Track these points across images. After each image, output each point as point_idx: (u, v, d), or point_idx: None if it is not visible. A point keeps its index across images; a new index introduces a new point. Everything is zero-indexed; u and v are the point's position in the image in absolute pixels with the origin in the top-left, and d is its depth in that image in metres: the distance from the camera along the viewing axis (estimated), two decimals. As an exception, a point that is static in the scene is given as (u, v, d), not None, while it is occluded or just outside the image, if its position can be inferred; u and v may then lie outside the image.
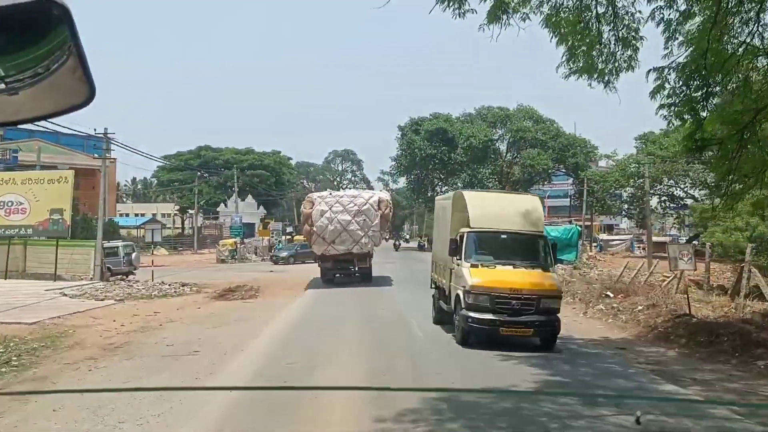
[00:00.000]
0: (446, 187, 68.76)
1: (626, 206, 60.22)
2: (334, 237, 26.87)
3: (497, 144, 64.73)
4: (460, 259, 13.58)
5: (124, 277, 30.12)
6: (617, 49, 10.40)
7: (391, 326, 15.22)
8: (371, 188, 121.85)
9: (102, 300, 22.53)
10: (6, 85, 1.20)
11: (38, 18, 1.14)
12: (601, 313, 17.36)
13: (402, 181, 74.50)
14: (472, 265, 13.36)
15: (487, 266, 13.44)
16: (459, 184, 62.97)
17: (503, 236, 14.06)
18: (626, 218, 75.12)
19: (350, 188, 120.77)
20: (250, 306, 21.58)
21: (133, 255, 32.17)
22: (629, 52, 10.36)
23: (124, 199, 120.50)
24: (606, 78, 10.43)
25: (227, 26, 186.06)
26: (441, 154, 61.19)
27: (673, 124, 11.10)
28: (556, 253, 36.85)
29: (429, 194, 70.75)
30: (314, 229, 27.11)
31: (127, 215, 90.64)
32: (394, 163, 66.40)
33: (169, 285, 27.70)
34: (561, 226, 40.18)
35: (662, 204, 54.58)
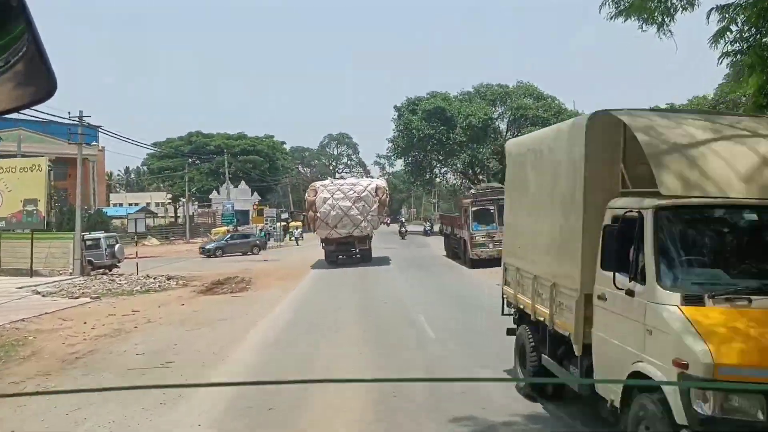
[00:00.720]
0: (445, 169, 66.85)
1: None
2: (336, 222, 29.25)
3: (497, 122, 62.58)
4: (641, 280, 5.54)
5: (107, 270, 28.14)
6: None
7: (397, 326, 13.24)
8: (368, 172, 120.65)
9: (77, 298, 20.57)
10: None
11: None
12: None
13: (399, 164, 72.41)
14: (689, 300, 5.18)
15: (731, 303, 5.17)
16: (458, 165, 61.00)
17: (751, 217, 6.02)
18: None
19: (346, 172, 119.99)
20: (239, 301, 19.66)
21: (117, 247, 30.16)
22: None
23: (118, 189, 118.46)
24: (660, 19, 8.42)
25: (217, 9, 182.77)
26: (439, 134, 58.96)
27: (741, 74, 9.08)
28: None
29: (427, 176, 68.79)
30: (318, 215, 29.32)
31: (120, 205, 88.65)
32: (390, 144, 64.11)
33: (154, 279, 25.80)
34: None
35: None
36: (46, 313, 17.39)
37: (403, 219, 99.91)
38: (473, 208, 27.33)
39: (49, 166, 60.22)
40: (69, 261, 27.42)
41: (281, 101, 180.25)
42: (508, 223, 10.33)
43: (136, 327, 15.18)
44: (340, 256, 30.80)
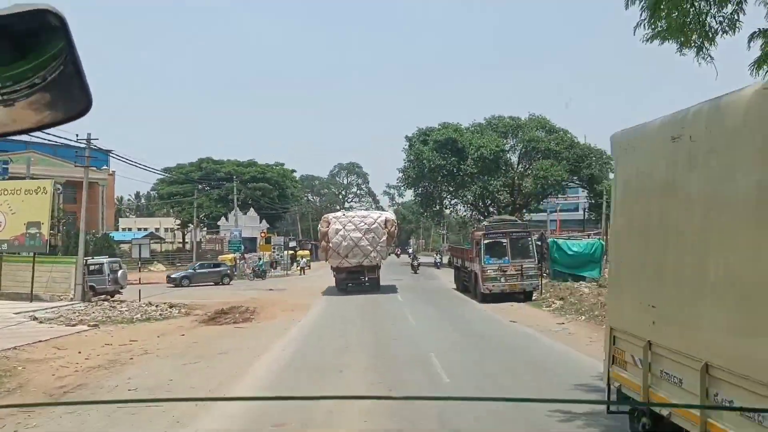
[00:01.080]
0: (455, 200, 66.19)
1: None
2: (347, 252, 30.73)
3: (509, 155, 62.02)
4: None
5: (109, 296, 27.43)
6: (711, 6, 7.75)
7: (407, 367, 12.37)
8: (377, 201, 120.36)
9: (74, 326, 19.84)
10: (2, 96, 1.20)
11: (34, 28, 1.13)
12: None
13: (409, 194, 71.85)
14: None
15: None
16: (469, 197, 60.33)
17: None
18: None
19: (356, 202, 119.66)
20: (242, 332, 18.88)
21: (120, 272, 29.49)
22: (730, 8, 7.70)
23: (127, 214, 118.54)
24: (699, 42, 7.77)
25: (228, 37, 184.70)
26: (450, 165, 58.40)
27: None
28: (578, 270, 35.08)
29: (436, 207, 68.08)
30: (330, 245, 30.88)
31: (129, 230, 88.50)
32: (401, 175, 63.59)
33: (156, 306, 25.10)
34: (582, 240, 37.34)
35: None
36: (40, 341, 16.67)
37: (411, 249, 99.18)
38: (485, 241, 26.57)
39: (58, 189, 60.11)
40: (70, 286, 26.75)
41: (292, 129, 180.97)
42: (621, 260, 6.97)
43: (131, 359, 14.44)
44: (350, 284, 31.99)
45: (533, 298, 26.59)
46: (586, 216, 67.94)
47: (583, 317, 20.10)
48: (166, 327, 20.35)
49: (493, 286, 26.07)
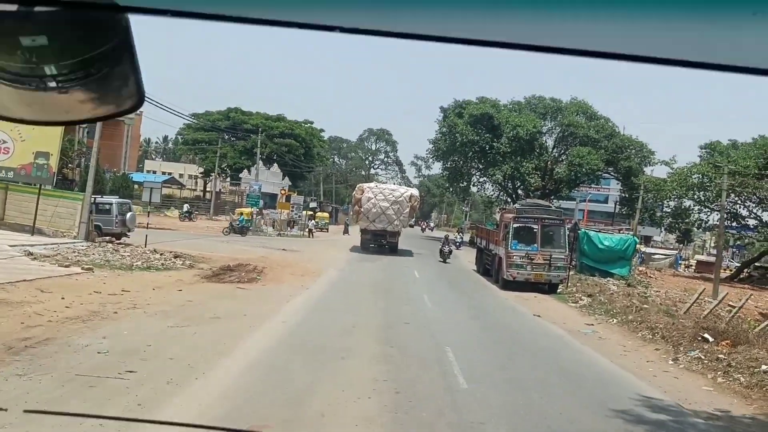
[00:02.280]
0: (484, 178, 64.12)
1: (668, 219, 54.95)
2: (375, 217, 36.42)
3: (545, 137, 59.61)
4: None
5: (114, 239, 26.15)
6: None
7: (419, 363, 10.74)
8: (403, 171, 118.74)
9: (67, 267, 18.53)
10: (57, 83, 1.19)
11: (96, 20, 1.14)
12: (702, 365, 12.81)
13: (436, 168, 69.82)
14: None
15: None
16: (498, 176, 58.20)
17: None
18: (665, 231, 69.93)
19: (382, 169, 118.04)
20: (244, 294, 17.42)
21: (129, 215, 28.17)
22: None
23: (154, 157, 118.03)
24: None
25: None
26: (483, 141, 56.26)
27: None
28: (608, 266, 33.14)
29: (464, 184, 66.12)
30: (362, 210, 36.66)
31: (154, 172, 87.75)
32: (431, 146, 61.56)
33: (161, 255, 23.72)
34: (614, 235, 35.33)
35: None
36: (24, 280, 15.35)
37: (433, 224, 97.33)
38: (515, 225, 24.76)
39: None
40: (75, 223, 25.57)
41: (326, 90, 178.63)
42: None
43: (116, 312, 13.02)
44: (372, 245, 37.31)
45: (558, 290, 24.85)
46: (617, 209, 65.56)
47: (614, 320, 18.34)
48: (164, 279, 18.96)
49: (517, 273, 24.35)
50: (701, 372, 12.52)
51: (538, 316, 18.39)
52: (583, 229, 33.98)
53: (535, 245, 24.54)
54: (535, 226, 24.76)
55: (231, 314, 13.79)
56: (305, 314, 14.75)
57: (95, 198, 27.46)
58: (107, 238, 26.13)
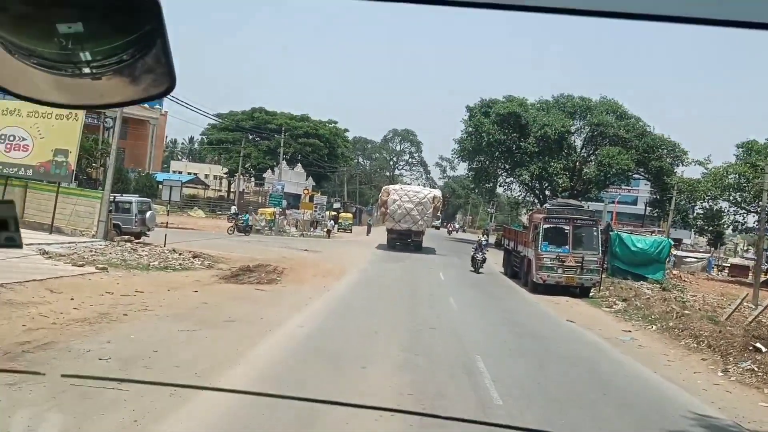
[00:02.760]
0: (510, 179, 62.82)
1: (700, 221, 53.17)
2: (401, 218, 38.26)
3: (573, 137, 58.17)
4: None
5: (133, 238, 25.64)
6: None
7: (447, 373, 9.84)
8: (428, 172, 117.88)
9: (81, 266, 17.95)
10: (91, 69, 1.21)
11: (128, 6, 1.15)
12: (756, 378, 11.74)
13: (462, 168, 68.69)
14: None
15: None
16: (526, 177, 56.94)
17: None
18: (696, 234, 67.96)
19: (406, 170, 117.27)
20: (261, 296, 16.68)
21: (148, 214, 27.67)
22: None
23: (180, 157, 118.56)
24: None
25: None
26: (510, 141, 55.09)
27: None
28: (640, 269, 31.82)
29: (490, 184, 64.99)
30: (388, 211, 38.51)
31: (180, 173, 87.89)
32: (457, 146, 60.39)
33: (179, 254, 23.15)
34: (648, 237, 34.02)
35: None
36: (34, 279, 14.77)
37: (458, 225, 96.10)
38: (545, 225, 23.72)
39: (108, 123, 58.96)
40: (94, 222, 25.09)
41: (350, 90, 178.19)
42: None
43: (125, 315, 12.33)
44: (398, 244, 39.09)
45: (590, 294, 23.77)
46: (647, 211, 63.90)
47: (654, 327, 17.23)
48: (181, 279, 18.32)
49: (548, 276, 23.31)
50: (756, 385, 11.44)
51: (572, 321, 17.39)
52: (615, 231, 32.71)
53: (567, 247, 23.49)
54: (567, 227, 23.71)
55: (247, 317, 13.04)
56: (325, 317, 13.95)
57: (114, 197, 27.03)
58: (126, 237, 25.65)
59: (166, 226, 27.86)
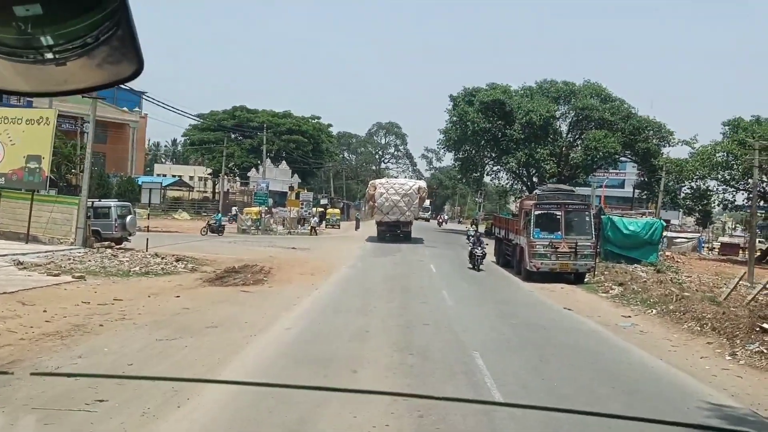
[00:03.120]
0: (497, 167, 62.26)
1: (689, 201, 52.85)
2: (388, 210, 39.41)
3: (558, 122, 57.67)
4: None
5: (113, 244, 24.85)
6: None
7: (444, 372, 9.23)
8: (414, 164, 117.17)
9: (57, 276, 17.19)
10: (54, 54, 1.17)
11: None
12: (766, 360, 11.21)
13: (448, 159, 68.08)
14: None
15: None
16: (512, 164, 56.35)
17: None
18: (684, 214, 67.83)
19: (392, 163, 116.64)
20: (247, 298, 16.02)
21: (128, 218, 26.84)
22: None
23: (164, 160, 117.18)
24: None
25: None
26: (495, 128, 54.51)
27: None
28: (633, 252, 31.33)
29: (477, 174, 64.39)
30: (376, 204, 39.64)
31: (164, 176, 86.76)
32: (442, 136, 59.67)
33: (162, 258, 22.44)
34: (639, 219, 33.59)
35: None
36: (5, 292, 14.04)
37: (446, 217, 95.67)
38: (536, 212, 23.17)
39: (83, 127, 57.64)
40: (71, 229, 24.28)
41: (332, 85, 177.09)
42: None
43: (101, 325, 11.63)
44: (388, 235, 40.28)
45: (585, 280, 23.27)
46: (635, 194, 63.66)
47: (653, 311, 16.73)
48: (163, 284, 17.61)
49: (541, 263, 22.78)
50: (767, 368, 10.93)
51: (569, 309, 16.85)
52: (606, 215, 32.22)
53: (559, 233, 22.96)
54: (558, 213, 23.16)
55: (230, 322, 12.38)
56: (313, 318, 13.30)
57: (93, 202, 26.22)
58: (106, 243, 24.87)
59: (148, 230, 27.01)
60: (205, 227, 41.05)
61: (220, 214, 43.59)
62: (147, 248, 23.98)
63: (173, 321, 12.33)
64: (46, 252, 21.50)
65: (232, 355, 9.49)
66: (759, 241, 57.61)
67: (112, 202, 27.51)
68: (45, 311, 12.52)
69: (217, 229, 40.76)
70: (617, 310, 17.40)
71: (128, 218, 26.92)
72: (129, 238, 27.01)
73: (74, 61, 1.17)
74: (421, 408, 7.08)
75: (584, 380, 9.11)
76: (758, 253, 48.08)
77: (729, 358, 11.74)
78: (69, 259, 20.55)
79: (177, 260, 22.40)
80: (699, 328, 13.97)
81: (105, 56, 1.20)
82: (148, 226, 27.94)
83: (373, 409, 7.04)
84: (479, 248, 25.85)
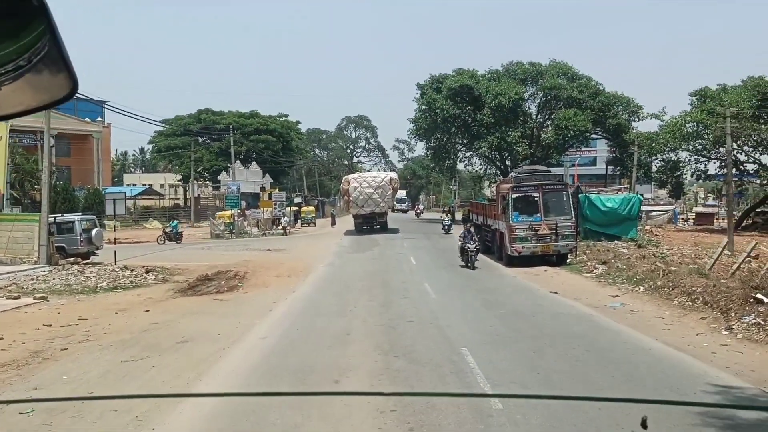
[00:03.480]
0: (470, 153, 61.86)
1: (662, 174, 52.90)
2: (363, 203, 40.93)
3: (527, 104, 57.38)
4: None
5: (79, 259, 23.83)
6: None
7: (432, 374, 8.62)
8: (386, 156, 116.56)
9: (16, 298, 16.25)
10: None
11: (15, 9, 1.10)
12: (764, 332, 10.78)
13: (420, 148, 67.52)
14: None
15: None
16: (485, 149, 55.90)
17: None
18: (657, 187, 68.15)
19: (364, 156, 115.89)
20: (221, 307, 15.27)
21: (94, 231, 25.80)
22: None
23: (133, 169, 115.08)
24: None
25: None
26: (465, 114, 54.05)
27: None
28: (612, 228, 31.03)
29: (449, 161, 63.92)
30: (351, 198, 41.20)
31: (134, 185, 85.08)
32: (412, 126, 58.98)
33: (131, 271, 21.53)
34: (616, 195, 33.34)
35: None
36: (-41, 321, 13.14)
37: (422, 206, 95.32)
38: (513, 195, 22.67)
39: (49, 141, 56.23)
40: (34, 247, 23.22)
41: (297, 82, 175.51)
42: None
43: (64, 349, 10.83)
44: (365, 227, 41.85)
45: (567, 261, 22.86)
46: (609, 170, 63.70)
47: (641, 289, 16.31)
48: (132, 299, 16.77)
49: (522, 247, 22.30)
50: (766, 341, 10.49)
51: (555, 293, 16.36)
52: (583, 193, 31.88)
53: (539, 215, 22.49)
54: (536, 194, 22.68)
55: (202, 335, 11.63)
56: (290, 323, 12.59)
57: (55, 217, 25.17)
58: (72, 259, 23.84)
59: (115, 242, 26.01)
60: (161, 236, 38.88)
61: (175, 221, 41.58)
62: (115, 261, 23.04)
63: (141, 339, 11.55)
64: (8, 273, 20.47)
65: (203, 374, 8.76)
66: (726, 210, 58.15)
67: (75, 216, 26.44)
68: (1, 338, 11.67)
69: (174, 237, 38.59)
70: (604, 290, 16.96)
71: (94, 231, 25.89)
72: (96, 252, 26.02)
73: (8, 86, 1.16)
74: (410, 418, 6.45)
75: (582, 371, 8.56)
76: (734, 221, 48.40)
77: (726, 332, 11.30)
78: (32, 279, 19.59)
79: (147, 272, 21.51)
80: (690, 303, 13.55)
81: (39, 78, 1.18)
82: (116, 238, 26.88)
83: (358, 423, 6.40)
84: (472, 242, 22.35)
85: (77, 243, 25.14)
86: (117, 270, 21.70)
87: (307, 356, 9.33)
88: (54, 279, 19.79)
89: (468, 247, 22.18)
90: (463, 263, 22.34)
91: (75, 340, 11.63)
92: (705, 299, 13.27)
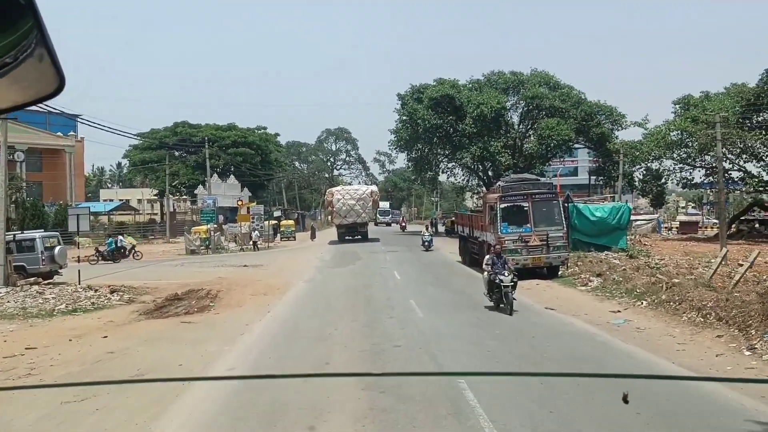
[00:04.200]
0: (452, 164, 60.85)
1: (646, 184, 52.26)
2: (345, 213, 44.25)
3: (509, 113, 56.57)
4: None
5: (40, 279, 22.22)
6: None
7: (427, 411, 7.35)
8: (367, 169, 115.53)
9: (-39, 325, 14.72)
10: None
11: (3, 5, 1.10)
12: (793, 355, 9.68)
13: (401, 160, 66.48)
14: None
15: None
16: (467, 159, 54.90)
17: None
18: (639, 196, 67.74)
19: (345, 169, 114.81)
20: (187, 330, 13.85)
21: (57, 249, 24.19)
22: None
23: (109, 185, 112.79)
24: None
25: None
26: (447, 124, 53.06)
27: None
28: (601, 239, 30.00)
29: (431, 173, 62.88)
30: (334, 209, 44.62)
31: (111, 201, 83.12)
32: (393, 137, 57.86)
33: (95, 291, 20.03)
34: (605, 204, 32.40)
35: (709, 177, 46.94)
36: None
37: (403, 217, 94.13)
38: (502, 205, 21.54)
39: (20, 156, 54.42)
40: (-9, 267, 21.55)
41: (277, 95, 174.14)
42: None
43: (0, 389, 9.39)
44: (347, 237, 45.23)
45: (559, 273, 21.75)
46: (592, 180, 62.99)
47: (643, 303, 15.18)
48: (90, 323, 15.30)
49: (512, 260, 21.08)
50: (797, 365, 9.35)
51: (551, 309, 15.18)
52: (573, 203, 30.88)
53: (528, 225, 21.37)
54: (526, 204, 21.57)
55: (161, 366, 10.24)
56: (263, 350, 11.23)
57: (14, 235, 23.58)
58: (33, 279, 22.22)
59: (78, 261, 24.46)
60: (94, 254, 35.32)
61: (111, 239, 37.81)
62: (79, 281, 21.52)
63: (92, 371, 10.14)
64: (-42, 296, 18.84)
65: (157, 415, 7.39)
66: (709, 219, 57.67)
67: (37, 234, 24.80)
68: (-72, 375, 10.20)
69: (110, 256, 35.51)
70: (603, 305, 15.80)
71: (57, 249, 24.29)
72: (60, 271, 24.42)
73: None
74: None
75: (599, 405, 7.30)
76: (717, 229, 47.82)
77: (748, 353, 10.16)
78: (-16, 303, 18.00)
79: (112, 292, 20.03)
80: (702, 320, 12.41)
81: (25, 75, 1.18)
82: (78, 257, 25.30)
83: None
84: (506, 272, 15.09)
85: (38, 262, 23.55)
86: (80, 290, 20.20)
87: (280, 393, 7.98)
88: (9, 302, 18.24)
89: (502, 281, 14.86)
90: (492, 304, 15.26)
91: (16, 374, 10.20)
92: (718, 315, 12.14)
